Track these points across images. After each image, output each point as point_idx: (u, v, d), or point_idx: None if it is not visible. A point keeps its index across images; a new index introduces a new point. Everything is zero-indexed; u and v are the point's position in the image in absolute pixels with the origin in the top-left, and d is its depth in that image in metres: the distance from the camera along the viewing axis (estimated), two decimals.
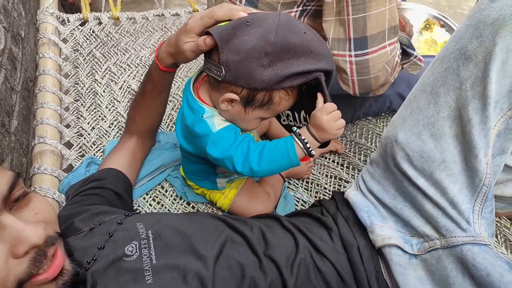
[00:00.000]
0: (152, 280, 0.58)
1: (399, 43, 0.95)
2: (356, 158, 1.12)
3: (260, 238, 0.71)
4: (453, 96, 0.63)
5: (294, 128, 0.74)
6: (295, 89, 0.71)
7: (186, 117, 0.77)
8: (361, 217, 0.73)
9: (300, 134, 0.72)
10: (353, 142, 1.16)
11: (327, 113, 0.69)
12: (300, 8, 0.91)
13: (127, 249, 0.62)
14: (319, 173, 1.09)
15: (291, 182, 1.06)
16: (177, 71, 1.30)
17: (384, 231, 0.69)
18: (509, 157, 0.75)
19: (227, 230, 0.71)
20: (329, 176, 1.08)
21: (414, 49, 0.98)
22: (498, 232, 0.91)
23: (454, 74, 0.63)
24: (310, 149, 0.72)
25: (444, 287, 0.62)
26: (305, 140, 0.71)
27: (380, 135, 1.16)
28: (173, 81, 1.27)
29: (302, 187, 1.06)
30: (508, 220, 0.92)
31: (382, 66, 0.90)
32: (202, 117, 0.74)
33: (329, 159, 1.12)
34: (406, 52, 0.99)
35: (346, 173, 1.09)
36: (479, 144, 0.61)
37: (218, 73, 0.68)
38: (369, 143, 1.15)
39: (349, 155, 1.12)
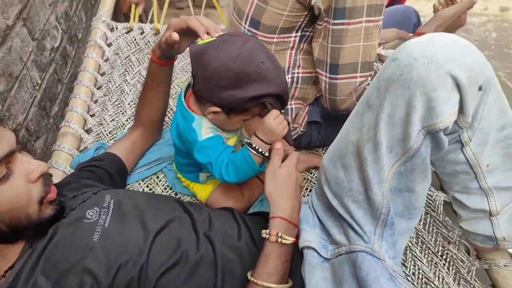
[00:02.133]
0: (98, 239, 0.72)
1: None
2: None
3: (205, 221, 0.84)
4: (356, 136, 0.71)
5: (245, 140, 0.88)
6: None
7: (179, 123, 0.92)
8: (300, 225, 0.83)
9: (250, 143, 0.85)
10: None
11: (273, 118, 0.82)
12: (299, 34, 1.02)
13: (88, 213, 0.77)
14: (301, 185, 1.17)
15: None
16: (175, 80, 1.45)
17: (308, 236, 0.78)
18: (465, 197, 0.82)
19: (180, 212, 0.84)
20: (309, 189, 1.16)
21: None
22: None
23: (359, 118, 0.71)
24: (263, 152, 0.85)
25: (339, 286, 0.70)
26: (256, 147, 0.84)
27: None
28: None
29: None
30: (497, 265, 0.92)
31: (349, 93, 1.00)
32: (192, 125, 0.89)
33: (313, 175, 1.19)
34: None
35: None
36: (373, 179, 0.69)
37: (191, 81, 0.82)
38: None
39: None
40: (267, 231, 0.76)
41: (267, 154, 0.85)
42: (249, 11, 0.99)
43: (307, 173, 1.20)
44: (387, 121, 0.65)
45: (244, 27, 1.03)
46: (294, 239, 0.76)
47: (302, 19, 0.98)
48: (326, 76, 0.99)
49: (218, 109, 0.83)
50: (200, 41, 0.83)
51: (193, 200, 1.11)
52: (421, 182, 0.70)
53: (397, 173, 0.68)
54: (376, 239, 0.71)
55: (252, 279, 0.73)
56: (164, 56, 0.96)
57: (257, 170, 0.87)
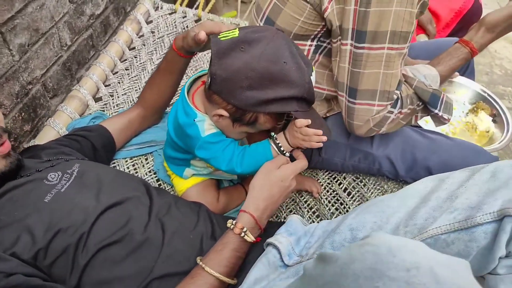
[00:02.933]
0: (48, 200, 0.74)
1: (411, 99, 0.95)
2: (327, 208, 1.09)
3: (164, 207, 0.83)
4: None
5: (272, 133, 0.85)
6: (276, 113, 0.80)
7: (179, 117, 0.89)
8: (279, 229, 0.81)
9: (276, 138, 0.83)
10: (334, 192, 1.13)
11: (299, 126, 0.79)
12: (314, 43, 0.95)
13: (50, 175, 0.79)
14: (286, 206, 1.10)
15: None
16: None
17: (282, 239, 0.76)
18: None
19: (141, 193, 0.83)
20: (292, 212, 1.09)
21: (436, 106, 0.96)
22: None
23: None
24: (284, 151, 0.83)
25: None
26: (280, 144, 0.83)
27: (363, 196, 1.11)
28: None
29: None
30: None
31: (366, 119, 0.92)
32: (194, 121, 0.86)
33: (302, 199, 1.11)
34: (428, 108, 0.98)
35: (309, 217, 1.07)
36: None
37: (208, 80, 0.79)
38: (348, 199, 1.11)
39: (322, 203, 1.10)
40: (234, 221, 0.77)
41: (288, 154, 0.84)
42: (267, 8, 0.94)
43: (296, 194, 1.12)
44: None
45: (259, 25, 0.98)
46: (255, 239, 0.76)
47: (318, 29, 0.91)
48: (345, 98, 0.92)
49: (225, 114, 0.79)
50: (222, 36, 0.77)
51: (172, 190, 1.09)
52: None
53: None
54: None
55: (201, 263, 0.72)
56: (184, 49, 0.94)
57: None
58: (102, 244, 0.71)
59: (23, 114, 1.16)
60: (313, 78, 0.80)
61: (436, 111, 0.96)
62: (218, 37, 0.78)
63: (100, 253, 0.71)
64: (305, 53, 0.96)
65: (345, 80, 0.90)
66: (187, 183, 1.02)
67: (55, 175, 0.79)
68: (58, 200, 0.74)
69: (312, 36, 0.93)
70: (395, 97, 0.91)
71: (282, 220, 1.06)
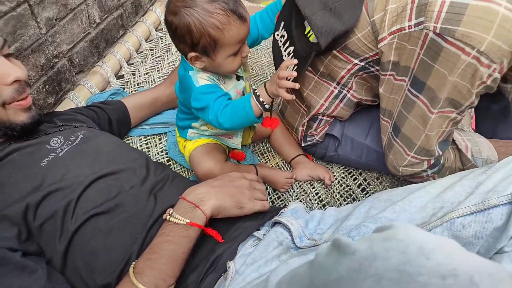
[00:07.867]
0: (44, 164, 0.75)
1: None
2: (338, 203, 1.04)
3: (161, 182, 0.82)
4: None
5: (254, 87, 0.83)
6: (227, 11, 0.79)
7: (179, 71, 0.93)
8: (285, 213, 0.80)
9: (255, 90, 0.83)
10: (347, 187, 1.08)
11: (284, 68, 0.79)
12: (362, 64, 0.88)
13: (53, 140, 0.80)
14: (295, 195, 1.06)
15: (266, 188, 1.07)
16: None
17: (293, 221, 0.75)
18: None
19: (139, 165, 0.82)
20: (300, 200, 1.05)
21: None
22: None
23: None
24: (264, 103, 0.82)
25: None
26: (258, 94, 0.82)
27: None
28: None
29: (271, 198, 1.06)
30: None
31: (398, 163, 0.91)
32: (189, 73, 0.88)
33: (313, 188, 1.07)
34: None
35: (316, 205, 1.03)
36: None
37: None
38: (361, 195, 1.05)
39: (332, 193, 1.06)
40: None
41: (267, 106, 0.82)
42: None
43: (307, 185, 1.08)
44: None
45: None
46: (188, 222, 0.69)
47: (371, 54, 0.84)
48: (390, 129, 0.90)
49: (194, 54, 0.83)
50: None
51: (181, 169, 1.09)
52: None
53: None
54: None
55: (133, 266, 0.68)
56: None
57: (251, 119, 0.84)
58: (90, 213, 0.71)
59: (47, 86, 1.20)
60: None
61: None
62: None
63: (89, 222, 0.71)
64: (350, 66, 0.89)
65: (392, 118, 0.87)
66: (193, 145, 1.01)
67: (57, 140, 0.80)
68: (53, 164, 0.75)
69: (362, 58, 0.87)
70: (436, 154, 0.85)
71: None
